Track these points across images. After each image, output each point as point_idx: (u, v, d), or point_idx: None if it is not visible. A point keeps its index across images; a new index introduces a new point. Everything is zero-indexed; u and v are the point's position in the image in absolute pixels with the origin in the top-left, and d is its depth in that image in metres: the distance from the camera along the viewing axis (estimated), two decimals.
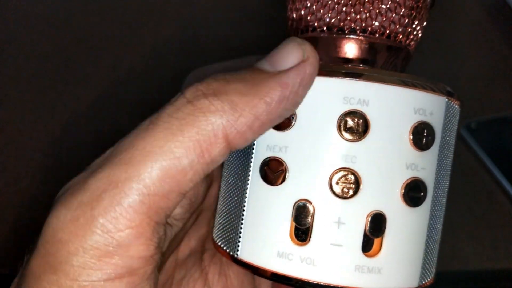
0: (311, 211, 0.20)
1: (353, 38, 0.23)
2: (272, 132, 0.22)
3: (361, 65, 0.23)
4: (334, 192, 0.20)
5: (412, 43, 0.24)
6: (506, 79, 0.47)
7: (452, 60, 0.48)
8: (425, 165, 0.21)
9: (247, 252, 0.22)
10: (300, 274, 0.20)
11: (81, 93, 0.44)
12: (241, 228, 0.23)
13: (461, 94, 0.45)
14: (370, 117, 0.20)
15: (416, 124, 0.21)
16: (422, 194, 0.21)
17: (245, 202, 0.23)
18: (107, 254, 0.18)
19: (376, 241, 0.21)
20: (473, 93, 0.46)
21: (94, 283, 0.18)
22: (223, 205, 0.24)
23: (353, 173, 0.20)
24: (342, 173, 0.20)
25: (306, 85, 0.20)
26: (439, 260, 0.39)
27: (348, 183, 0.20)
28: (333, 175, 0.20)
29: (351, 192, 0.20)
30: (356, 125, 0.20)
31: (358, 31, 0.22)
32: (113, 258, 0.18)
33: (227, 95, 0.19)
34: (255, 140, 0.21)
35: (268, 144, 0.22)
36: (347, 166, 0.20)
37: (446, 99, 0.22)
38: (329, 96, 0.21)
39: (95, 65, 0.46)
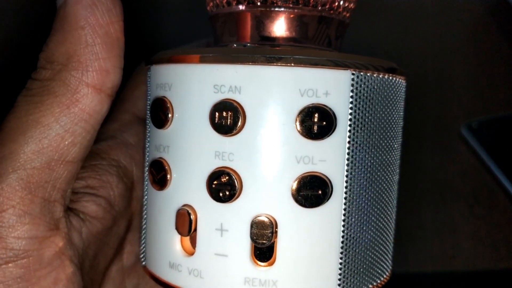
0: (192, 218, 0.18)
1: (273, 11, 0.19)
2: (156, 130, 0.19)
3: (279, 43, 0.20)
4: (213, 196, 0.17)
5: (344, 12, 0.21)
6: (506, 79, 0.46)
7: (452, 59, 0.48)
8: (324, 157, 0.17)
9: (149, 261, 0.20)
10: (189, 287, 0.18)
11: None
12: (143, 236, 0.21)
13: (462, 94, 0.45)
14: (244, 106, 0.17)
15: (303, 109, 0.17)
16: (321, 191, 0.17)
17: (144, 208, 0.21)
18: None
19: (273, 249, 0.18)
20: (474, 93, 0.46)
21: None
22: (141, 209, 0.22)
23: (232, 172, 0.17)
24: (219, 173, 0.17)
25: None
26: (440, 260, 0.39)
27: (227, 184, 0.17)
28: (211, 176, 0.17)
29: (231, 194, 0.17)
30: (229, 117, 0.17)
31: (279, 2, 0.19)
32: (1, 242, 0.17)
33: (55, 53, 0.19)
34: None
35: (155, 144, 0.20)
36: (224, 166, 0.17)
37: (352, 73, 0.17)
38: (200, 86, 0.18)
39: None
